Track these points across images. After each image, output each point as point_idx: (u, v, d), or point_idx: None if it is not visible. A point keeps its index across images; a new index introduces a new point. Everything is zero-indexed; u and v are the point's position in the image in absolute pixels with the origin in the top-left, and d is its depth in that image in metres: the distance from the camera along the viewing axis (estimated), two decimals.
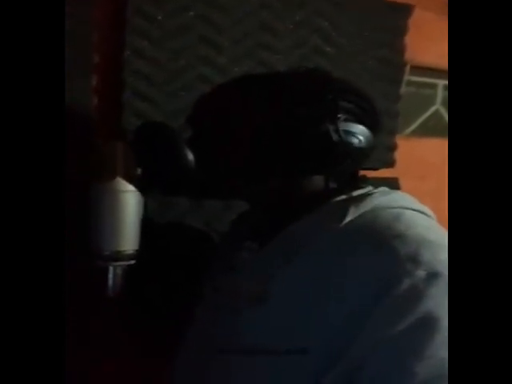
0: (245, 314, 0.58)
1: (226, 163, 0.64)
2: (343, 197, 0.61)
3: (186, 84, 0.89)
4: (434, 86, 1.16)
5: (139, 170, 0.64)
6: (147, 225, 0.66)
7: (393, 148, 1.05)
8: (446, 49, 1.11)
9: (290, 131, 0.60)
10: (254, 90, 0.64)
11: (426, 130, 1.15)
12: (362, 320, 0.49)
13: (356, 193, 0.61)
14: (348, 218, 0.56)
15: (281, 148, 0.61)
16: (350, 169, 0.64)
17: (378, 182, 0.65)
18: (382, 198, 0.59)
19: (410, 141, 1.12)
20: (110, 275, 0.63)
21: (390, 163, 1.04)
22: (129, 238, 0.63)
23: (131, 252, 0.63)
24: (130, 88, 0.84)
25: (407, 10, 1.03)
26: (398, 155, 1.07)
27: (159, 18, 0.85)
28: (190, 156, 0.63)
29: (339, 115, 0.59)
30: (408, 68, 1.06)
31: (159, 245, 0.76)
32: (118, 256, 0.62)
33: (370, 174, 0.67)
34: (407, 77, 1.08)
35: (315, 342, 0.51)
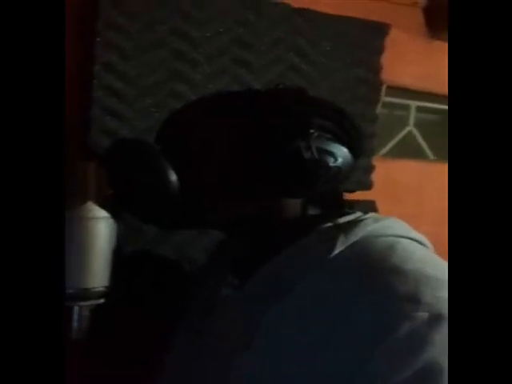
0: (230, 362, 0.52)
1: (195, 185, 0.58)
2: (329, 224, 0.56)
3: (158, 101, 0.84)
4: (406, 108, 1.15)
5: (111, 194, 0.57)
6: (117, 256, 0.60)
7: (370, 170, 1.03)
8: (420, 70, 1.13)
9: (260, 149, 0.56)
10: (224, 106, 0.60)
11: (399, 152, 1.14)
12: (356, 369, 0.44)
13: (343, 219, 0.56)
14: (337, 250, 0.52)
15: (251, 167, 0.56)
16: (326, 191, 0.59)
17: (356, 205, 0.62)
18: (375, 226, 0.54)
19: (384, 162, 1.10)
20: (75, 317, 0.56)
21: (367, 185, 1.02)
22: (98, 273, 0.56)
23: (100, 289, 0.56)
24: (98, 104, 0.79)
25: (384, 30, 1.02)
26: (373, 177, 1.06)
27: (132, 31, 0.81)
28: (174, 177, 0.57)
29: (311, 131, 0.55)
30: (384, 88, 1.05)
31: (132, 279, 0.70)
32: (84, 294, 0.55)
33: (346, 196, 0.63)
34: (383, 97, 1.07)
35: None
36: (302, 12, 0.95)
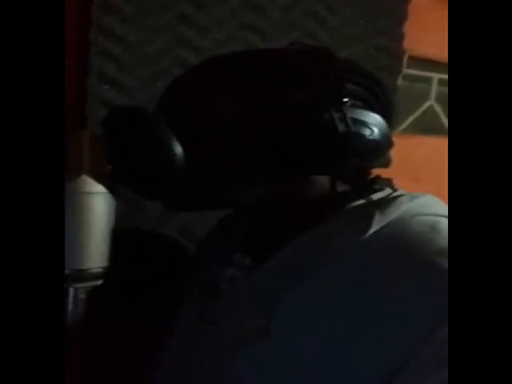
0: (241, 353, 0.48)
1: (211, 162, 0.53)
2: (361, 201, 0.51)
3: (161, 69, 0.79)
4: (428, 80, 1.09)
5: (109, 167, 0.52)
6: (116, 234, 0.55)
7: None
8: (444, 39, 1.05)
9: (286, 120, 0.50)
10: (239, 70, 0.54)
11: (419, 127, 1.08)
12: (405, 360, 0.40)
13: (376, 196, 0.52)
14: (373, 229, 0.47)
15: (276, 141, 0.50)
16: (360, 167, 0.54)
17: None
18: (410, 204, 0.50)
19: (403, 138, 1.04)
20: (70, 299, 0.52)
21: (385, 163, 0.96)
22: (95, 253, 0.52)
23: (98, 270, 0.52)
24: (95, 72, 0.74)
25: None
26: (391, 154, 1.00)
27: None
28: (179, 149, 0.51)
29: (345, 99, 0.49)
30: (406, 58, 0.98)
31: (131, 260, 0.66)
32: (80, 276, 0.51)
33: None
34: (404, 68, 1.00)
35: None
36: None
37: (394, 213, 0.48)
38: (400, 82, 0.99)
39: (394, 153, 0.99)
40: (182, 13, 0.79)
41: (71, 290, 0.52)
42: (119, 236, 0.56)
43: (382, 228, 0.47)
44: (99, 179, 0.52)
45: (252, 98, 0.52)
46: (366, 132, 0.50)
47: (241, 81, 0.53)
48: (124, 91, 0.76)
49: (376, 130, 0.51)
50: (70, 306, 0.52)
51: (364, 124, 0.50)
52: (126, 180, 0.54)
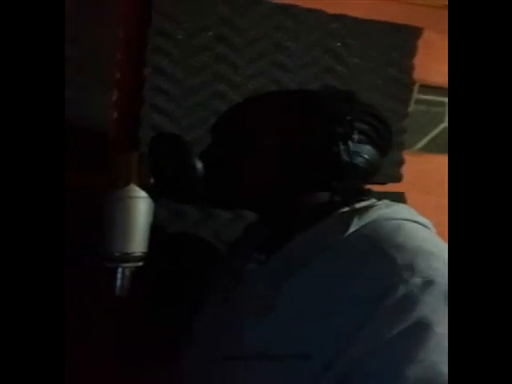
0: (250, 324, 0.60)
1: (240, 177, 0.68)
2: (346, 209, 0.64)
3: (201, 100, 0.94)
4: (442, 104, 1.18)
5: (151, 179, 0.70)
6: (157, 231, 0.71)
7: (400, 163, 1.08)
8: None
9: (307, 151, 0.64)
10: (282, 107, 0.68)
11: (434, 147, 1.18)
12: (359, 325, 0.52)
13: (359, 205, 0.64)
14: (352, 229, 0.59)
15: (295, 165, 0.65)
16: (354, 185, 0.67)
17: (385, 196, 0.67)
18: (385, 210, 0.62)
19: (419, 156, 1.15)
20: (119, 276, 0.67)
21: (397, 178, 1.08)
22: (138, 241, 0.68)
23: (140, 254, 0.68)
24: (148, 103, 0.90)
25: (416, 32, 1.07)
26: (406, 170, 1.11)
27: (179, 37, 0.91)
28: (200, 167, 0.67)
29: (354, 136, 0.63)
30: (417, 87, 1.10)
31: (168, 250, 0.82)
32: (127, 258, 0.67)
33: (378, 188, 0.70)
34: (417, 95, 1.11)
35: (316, 348, 0.54)
36: (337, 18, 1.02)
37: (371, 217, 0.61)
38: (413, 107, 1.10)
39: (409, 169, 1.11)
40: (219, 54, 0.94)
41: (119, 269, 0.67)
42: (163, 235, 0.71)
43: (359, 228, 0.59)
44: (142, 187, 0.69)
45: (284, 133, 0.66)
46: (362, 161, 0.64)
47: (278, 119, 0.67)
48: (171, 118, 0.92)
49: (370, 160, 0.65)
50: (118, 282, 0.68)
51: (361, 156, 0.64)
52: (162, 189, 0.71)
